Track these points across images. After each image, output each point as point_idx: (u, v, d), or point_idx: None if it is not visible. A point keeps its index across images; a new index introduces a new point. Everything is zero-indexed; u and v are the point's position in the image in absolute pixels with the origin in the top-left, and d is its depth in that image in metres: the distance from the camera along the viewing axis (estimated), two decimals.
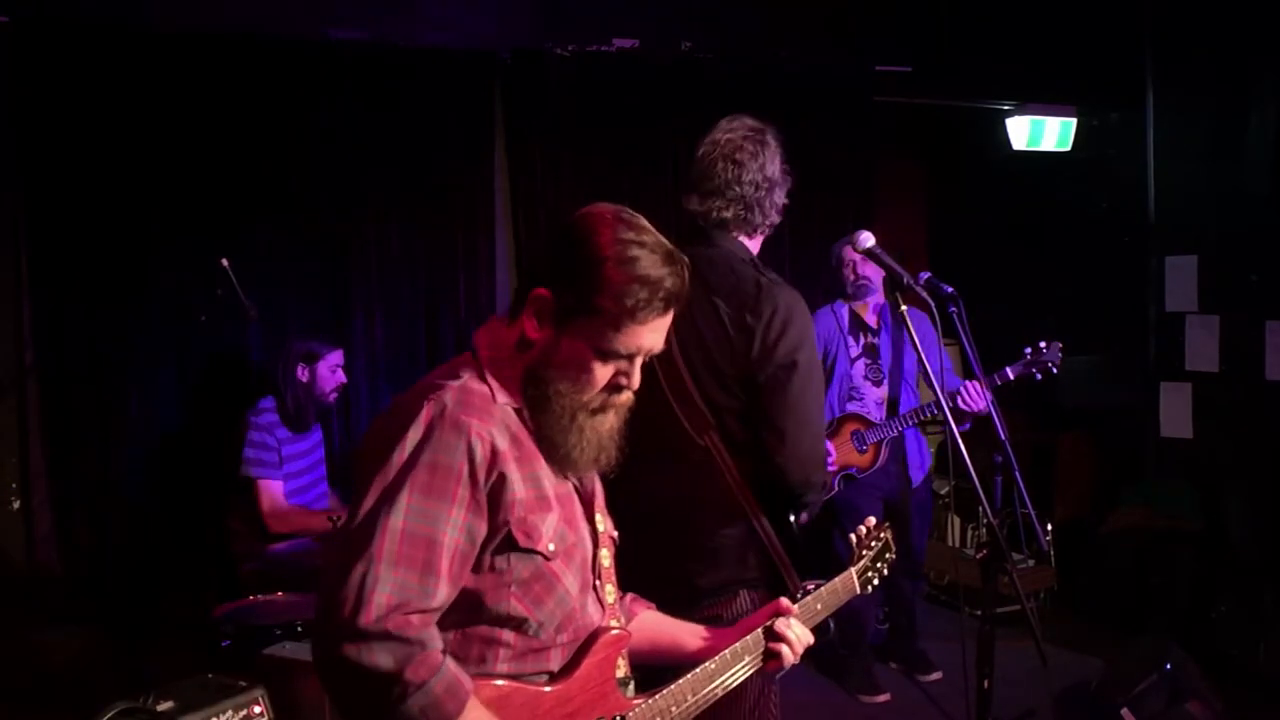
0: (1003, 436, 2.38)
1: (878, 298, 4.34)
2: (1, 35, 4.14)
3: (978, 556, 2.19)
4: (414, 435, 1.40)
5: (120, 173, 4.28)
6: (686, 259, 1.54)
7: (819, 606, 1.89)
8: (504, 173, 4.99)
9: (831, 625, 1.98)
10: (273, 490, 3.71)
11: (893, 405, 4.31)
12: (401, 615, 1.33)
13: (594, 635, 1.56)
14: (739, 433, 2.34)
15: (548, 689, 1.49)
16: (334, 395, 3.93)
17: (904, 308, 2.31)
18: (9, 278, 4.28)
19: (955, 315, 2.39)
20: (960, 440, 2.20)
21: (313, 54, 4.56)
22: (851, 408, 4.29)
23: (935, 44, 5.49)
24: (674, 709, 1.60)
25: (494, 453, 1.43)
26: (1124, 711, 3.48)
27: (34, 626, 4.26)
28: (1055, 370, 4.06)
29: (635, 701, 1.58)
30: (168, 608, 4.14)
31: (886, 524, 2.17)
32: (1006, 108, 5.87)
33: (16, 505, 4.30)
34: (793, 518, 2.42)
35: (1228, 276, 4.98)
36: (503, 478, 1.44)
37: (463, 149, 4.84)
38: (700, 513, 2.37)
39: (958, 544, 5.88)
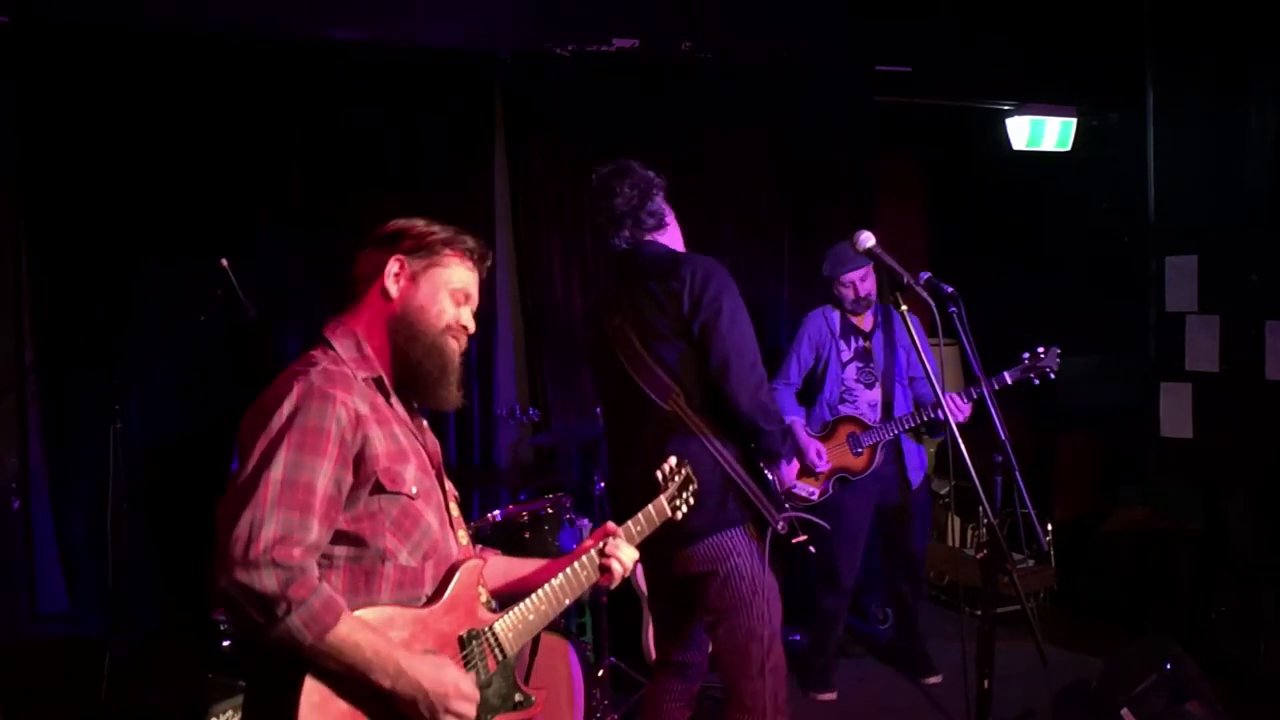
0: (1003, 436, 2.38)
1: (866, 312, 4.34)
2: (1, 35, 4.14)
3: (978, 556, 2.19)
4: (288, 406, 1.69)
5: (120, 172, 4.27)
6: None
7: (636, 530, 2.25)
8: (504, 172, 4.99)
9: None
10: None
11: (887, 407, 4.30)
12: (284, 547, 1.60)
13: (455, 565, 1.87)
14: (697, 390, 2.77)
15: (424, 610, 1.79)
16: None
17: (904, 308, 2.32)
18: (9, 278, 4.28)
19: (955, 315, 2.39)
20: (960, 440, 2.20)
21: (313, 54, 4.55)
22: (845, 410, 4.28)
23: (935, 44, 5.49)
24: (530, 616, 1.97)
25: (357, 417, 1.74)
26: (1124, 711, 3.48)
27: (34, 627, 4.27)
28: (1053, 376, 4.10)
29: (497, 615, 1.93)
30: (167, 608, 4.14)
31: (685, 460, 2.42)
32: (1006, 108, 5.87)
33: (16, 505, 4.29)
34: (760, 462, 2.83)
35: (1228, 276, 4.99)
36: (365, 437, 1.75)
37: (463, 148, 4.84)
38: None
39: (958, 544, 5.89)
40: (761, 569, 2.75)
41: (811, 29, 5.36)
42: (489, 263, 2.03)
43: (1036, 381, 4.12)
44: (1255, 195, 4.85)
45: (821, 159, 5.44)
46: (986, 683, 2.14)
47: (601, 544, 2.11)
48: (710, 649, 3.03)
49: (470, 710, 1.75)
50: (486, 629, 1.88)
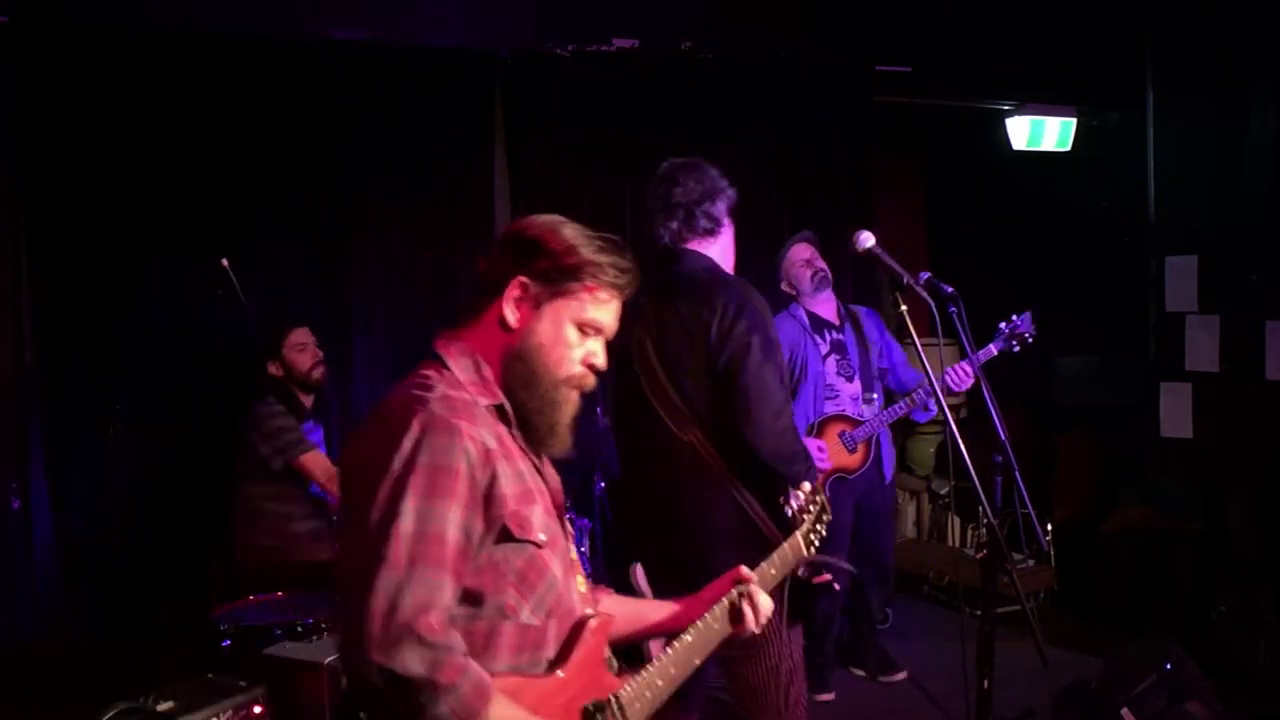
0: (1003, 436, 2.38)
1: (832, 294, 4.32)
2: (1, 35, 4.13)
3: (978, 556, 2.19)
4: (408, 443, 1.46)
5: (120, 172, 4.27)
6: (627, 247, 1.70)
7: (772, 572, 2.00)
8: (504, 172, 4.99)
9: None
10: (318, 460, 3.71)
11: (867, 401, 4.29)
12: (426, 618, 1.38)
13: (580, 623, 1.63)
14: (716, 426, 2.59)
15: (549, 677, 1.56)
16: (318, 371, 3.89)
17: (904, 308, 2.32)
18: (9, 278, 4.27)
19: (955, 315, 2.39)
20: (960, 440, 2.20)
21: (313, 54, 4.55)
22: (830, 408, 4.21)
23: (935, 44, 5.49)
24: (659, 682, 1.68)
25: (485, 451, 1.51)
26: (1124, 711, 3.48)
27: (34, 626, 4.26)
28: (1031, 340, 4.08)
29: (623, 679, 1.66)
30: (167, 607, 4.14)
31: (822, 488, 2.28)
32: (1006, 108, 5.87)
33: (16, 505, 4.29)
34: (781, 499, 2.55)
35: (1228, 276, 4.99)
36: (494, 475, 1.52)
37: (463, 148, 4.84)
38: (697, 504, 2.60)
39: (958, 544, 5.88)
40: (781, 609, 2.64)
41: (811, 29, 5.36)
42: (636, 286, 1.71)
43: (1017, 348, 4.10)
44: (1255, 195, 4.85)
45: (821, 159, 5.44)
46: (986, 683, 2.14)
47: (736, 591, 1.85)
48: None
49: None
50: (612, 698, 1.61)
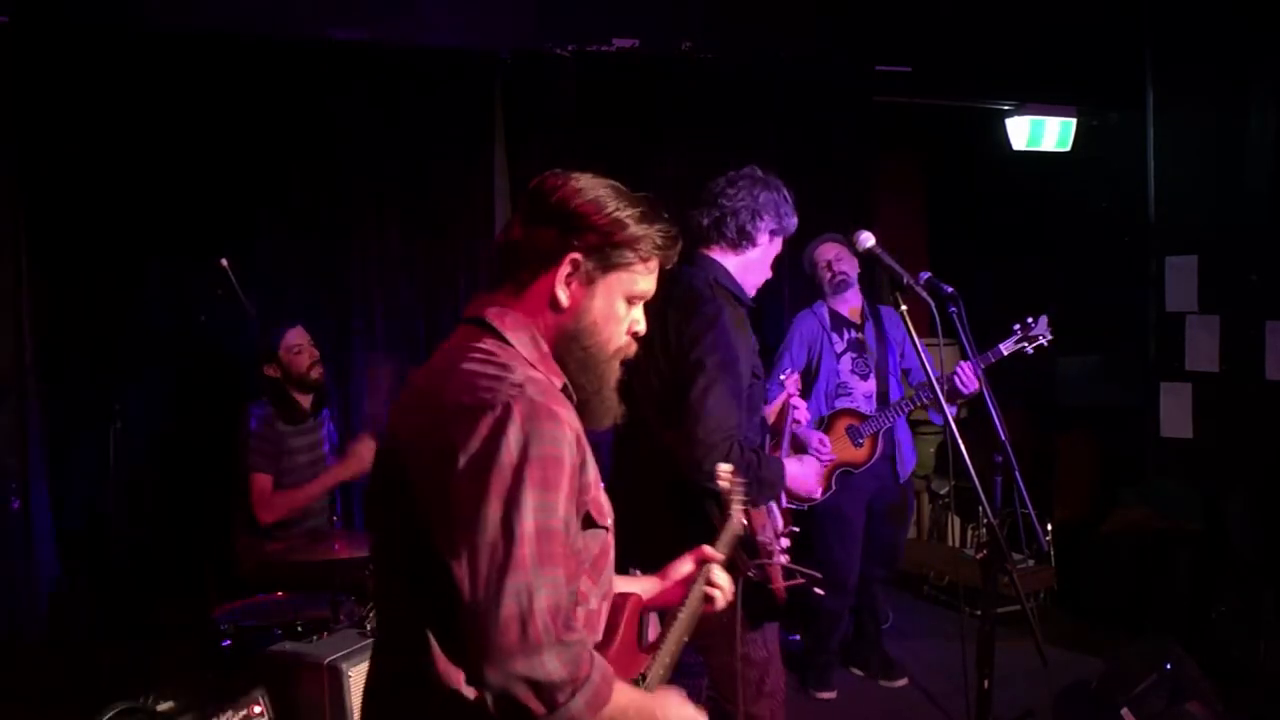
0: (1003, 436, 2.38)
1: (856, 293, 4.34)
2: (1, 35, 4.13)
3: (978, 556, 2.19)
4: (516, 433, 1.37)
5: (120, 172, 4.27)
6: (660, 203, 1.64)
7: (726, 552, 2.03)
8: (504, 172, 4.98)
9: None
10: (260, 483, 3.71)
11: (882, 398, 4.30)
12: (561, 619, 1.35)
13: (619, 604, 1.63)
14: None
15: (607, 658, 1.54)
16: (316, 372, 3.88)
17: (904, 308, 2.32)
18: (9, 278, 4.27)
19: (955, 315, 2.40)
20: (960, 440, 2.20)
21: (313, 54, 4.55)
22: (841, 404, 4.26)
23: (935, 44, 5.49)
24: (668, 659, 1.71)
25: (578, 438, 1.46)
26: (1124, 711, 3.48)
27: (34, 626, 4.26)
28: (1046, 343, 4.04)
29: (650, 655, 1.68)
30: (167, 607, 4.14)
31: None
32: (1006, 108, 5.87)
33: (16, 505, 4.29)
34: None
35: (1228, 276, 4.99)
36: (584, 461, 1.47)
37: (463, 148, 4.84)
38: (669, 504, 2.62)
39: (958, 544, 5.89)
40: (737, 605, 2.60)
41: (812, 29, 5.36)
42: (680, 247, 1.67)
43: (1030, 350, 4.07)
44: (1255, 195, 4.85)
45: (821, 159, 5.44)
46: (986, 683, 2.14)
47: (705, 570, 1.89)
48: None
49: None
50: (646, 670, 1.66)
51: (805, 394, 4.31)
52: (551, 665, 1.32)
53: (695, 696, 3.07)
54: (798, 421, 3.41)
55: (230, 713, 2.74)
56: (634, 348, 1.65)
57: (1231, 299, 4.96)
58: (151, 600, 4.18)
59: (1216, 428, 5.04)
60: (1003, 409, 2.60)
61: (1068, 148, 5.89)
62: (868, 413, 4.24)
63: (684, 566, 1.92)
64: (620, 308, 1.58)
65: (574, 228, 1.54)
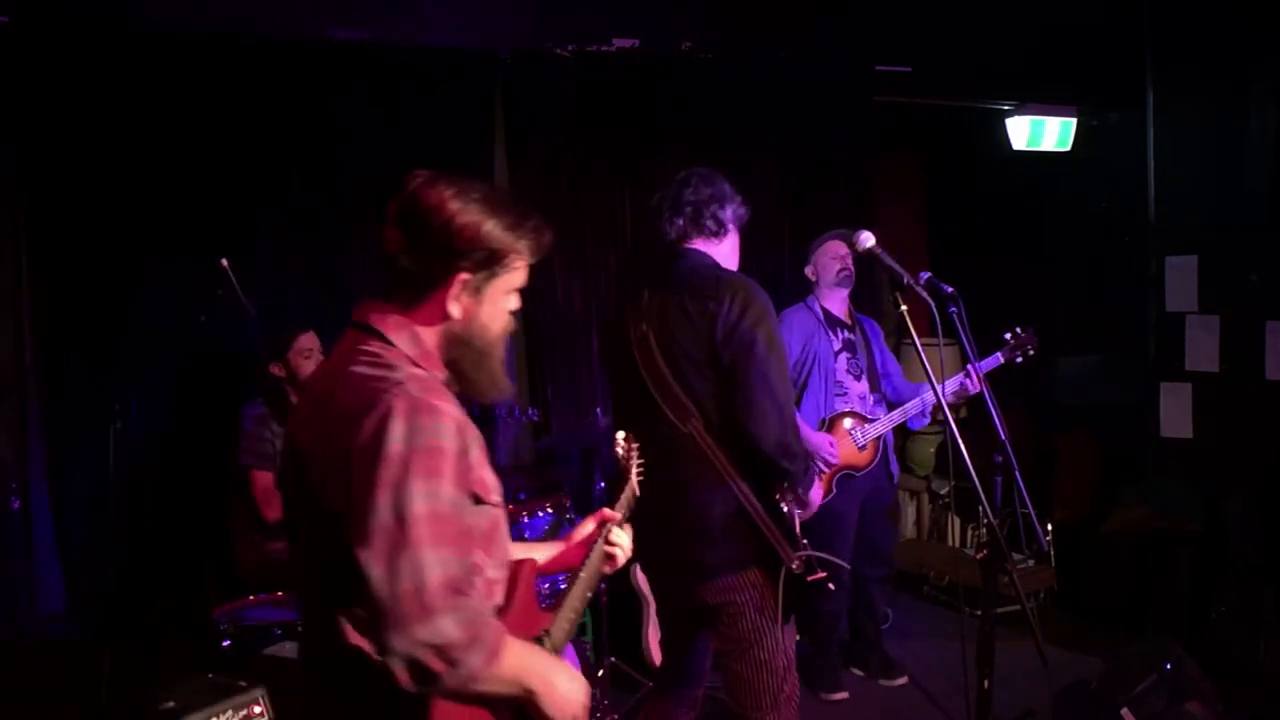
0: (1003, 436, 2.38)
1: (846, 295, 4.32)
2: (1, 35, 4.13)
3: (978, 556, 2.20)
4: (398, 428, 1.52)
5: (120, 172, 4.27)
6: (523, 201, 1.81)
7: (624, 514, 2.18)
8: (503, 172, 4.98)
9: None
10: (262, 480, 3.71)
11: (875, 402, 4.30)
12: (453, 588, 1.50)
13: (515, 569, 1.78)
14: (718, 417, 2.62)
15: (504, 621, 1.68)
16: None
17: (904, 308, 2.32)
18: (9, 278, 4.28)
19: (955, 315, 2.40)
20: (960, 440, 2.20)
21: (313, 53, 4.55)
22: (839, 405, 4.22)
23: (935, 44, 5.49)
24: (571, 615, 1.92)
25: (460, 425, 1.60)
26: (1124, 711, 3.48)
27: (34, 627, 4.26)
28: (1033, 352, 4.18)
29: (551, 614, 1.86)
30: (167, 607, 4.14)
31: (629, 433, 2.36)
32: (1006, 108, 5.87)
33: (16, 505, 4.29)
34: (776, 495, 2.67)
35: (1228, 276, 4.99)
36: (467, 445, 1.61)
37: (463, 148, 4.84)
38: (694, 496, 2.64)
39: (958, 544, 5.88)
40: (775, 603, 2.64)
41: (812, 29, 5.36)
42: (550, 236, 1.82)
43: (1020, 360, 4.18)
44: (1255, 195, 4.85)
45: (821, 159, 5.44)
46: (986, 683, 2.14)
47: (605, 531, 2.07)
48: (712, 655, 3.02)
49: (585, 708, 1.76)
50: (544, 631, 1.81)
51: (800, 390, 4.27)
52: (448, 629, 1.47)
53: (690, 706, 3.08)
54: None
55: (230, 713, 2.74)
56: (512, 324, 1.80)
57: (1231, 299, 4.96)
58: (151, 600, 4.19)
59: (1216, 428, 5.04)
60: (1003, 409, 2.60)
61: (1068, 148, 5.89)
62: (867, 414, 4.23)
63: (585, 529, 2.10)
64: (505, 303, 1.75)
65: (459, 252, 1.67)
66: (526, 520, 3.92)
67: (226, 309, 3.87)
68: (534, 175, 4.97)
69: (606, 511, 2.10)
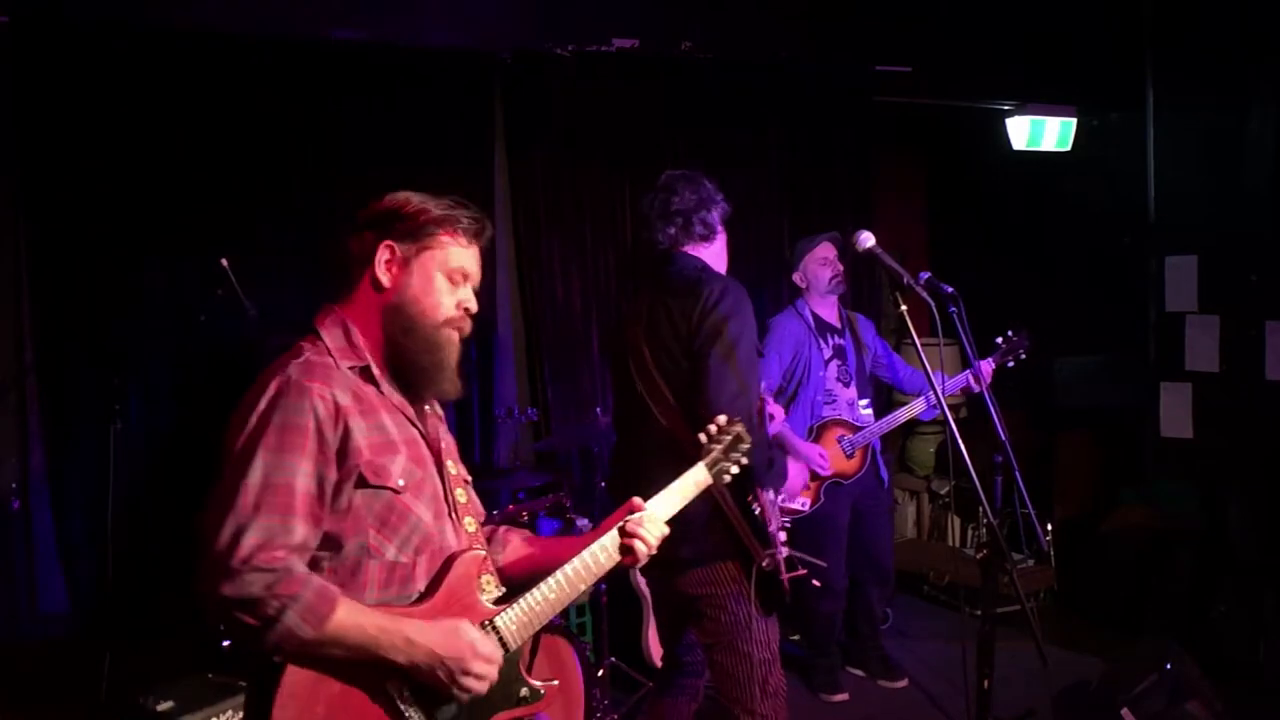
0: (1003, 436, 2.38)
1: (836, 298, 4.30)
2: (1, 35, 4.13)
3: (978, 556, 2.19)
4: (263, 403, 1.66)
5: (120, 172, 4.27)
6: (471, 205, 1.90)
7: (676, 499, 2.07)
8: (504, 172, 4.99)
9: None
10: None
11: (863, 408, 4.29)
12: (267, 552, 1.57)
13: (450, 558, 1.79)
14: (693, 414, 2.61)
15: (417, 606, 1.73)
16: None
17: (904, 308, 2.32)
18: (9, 278, 4.27)
19: (955, 315, 2.40)
20: (960, 440, 2.20)
21: (314, 53, 4.55)
22: (828, 413, 4.20)
23: (935, 44, 5.49)
24: (537, 607, 1.83)
25: (337, 409, 1.69)
26: (1124, 711, 3.48)
27: (34, 627, 4.26)
28: (1025, 356, 4.27)
29: (499, 608, 1.80)
30: (167, 607, 4.14)
31: (738, 419, 2.25)
32: (1006, 108, 5.87)
33: (16, 505, 4.29)
34: (749, 499, 2.68)
35: (1228, 276, 4.99)
36: (348, 429, 1.69)
37: (463, 148, 4.84)
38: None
39: (958, 544, 5.88)
40: (749, 598, 2.68)
41: (811, 29, 5.37)
42: (489, 234, 1.93)
43: (1012, 364, 4.25)
44: (1255, 195, 4.85)
45: (821, 159, 5.44)
46: (986, 683, 2.14)
47: (623, 522, 1.95)
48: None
49: (492, 671, 1.71)
50: (485, 623, 1.77)
51: (790, 399, 4.24)
52: (251, 585, 1.55)
53: (692, 696, 3.11)
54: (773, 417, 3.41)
55: (230, 713, 2.74)
56: (467, 324, 1.87)
57: (1231, 299, 4.96)
58: (151, 600, 4.19)
59: (1216, 428, 5.05)
60: (1003, 409, 2.60)
61: (1068, 148, 5.89)
62: (855, 422, 4.22)
63: (613, 519, 2.00)
64: (440, 281, 1.83)
65: (385, 222, 1.84)
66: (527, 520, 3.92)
67: (226, 309, 3.87)
68: (534, 175, 4.97)
69: (635, 501, 2.00)
